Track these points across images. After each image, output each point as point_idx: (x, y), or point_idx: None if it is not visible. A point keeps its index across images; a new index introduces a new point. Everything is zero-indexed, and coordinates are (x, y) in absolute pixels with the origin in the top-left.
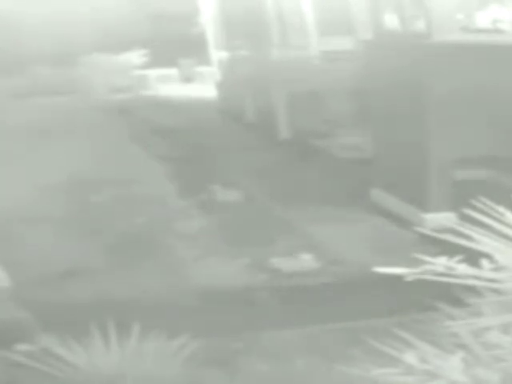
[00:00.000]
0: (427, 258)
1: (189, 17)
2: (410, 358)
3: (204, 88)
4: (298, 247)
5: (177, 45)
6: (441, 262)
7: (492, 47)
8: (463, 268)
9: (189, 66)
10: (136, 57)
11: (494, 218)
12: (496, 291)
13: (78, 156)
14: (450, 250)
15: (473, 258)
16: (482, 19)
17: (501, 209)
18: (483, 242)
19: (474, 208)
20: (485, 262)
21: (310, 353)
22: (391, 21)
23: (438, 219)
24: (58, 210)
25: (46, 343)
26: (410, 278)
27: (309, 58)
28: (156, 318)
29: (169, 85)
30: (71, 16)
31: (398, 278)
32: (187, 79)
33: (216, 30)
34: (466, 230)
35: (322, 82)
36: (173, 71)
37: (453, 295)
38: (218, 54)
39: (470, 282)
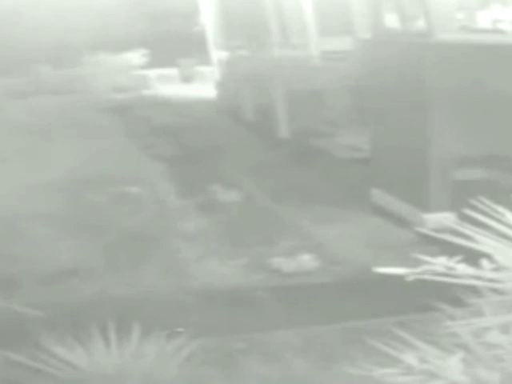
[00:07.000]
0: (427, 258)
1: (189, 17)
2: (410, 358)
3: (204, 88)
4: (298, 247)
5: (177, 45)
6: (441, 262)
7: (492, 47)
8: (463, 268)
9: (189, 65)
10: (136, 57)
11: (494, 218)
12: (496, 291)
13: (78, 155)
14: (449, 249)
15: (473, 257)
16: (483, 19)
17: (501, 209)
18: (483, 241)
19: (474, 208)
20: (485, 262)
21: (310, 353)
22: (391, 20)
23: (438, 219)
24: (58, 209)
25: (46, 343)
26: (409, 278)
27: (308, 58)
28: (156, 318)
29: (169, 84)
30: (73, 16)
31: (398, 278)
32: (187, 79)
33: (216, 30)
34: (466, 230)
35: (321, 82)
36: (173, 71)
37: (453, 295)
38: (217, 54)
39: (470, 281)
